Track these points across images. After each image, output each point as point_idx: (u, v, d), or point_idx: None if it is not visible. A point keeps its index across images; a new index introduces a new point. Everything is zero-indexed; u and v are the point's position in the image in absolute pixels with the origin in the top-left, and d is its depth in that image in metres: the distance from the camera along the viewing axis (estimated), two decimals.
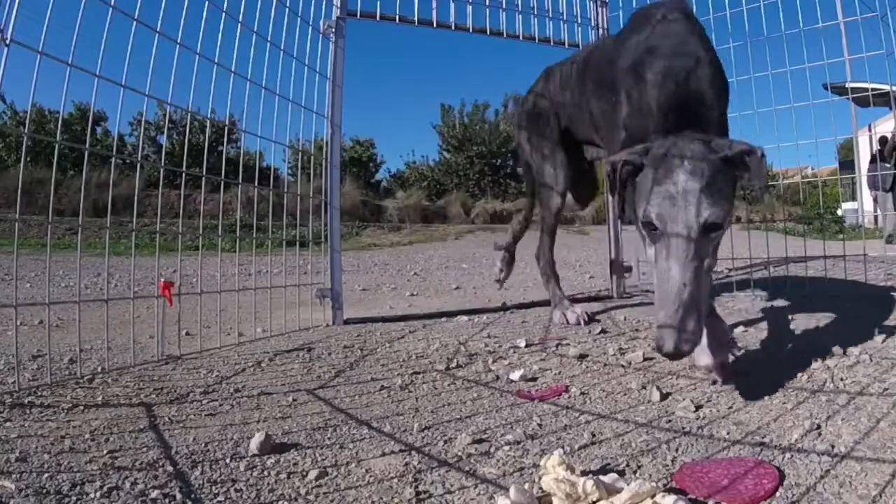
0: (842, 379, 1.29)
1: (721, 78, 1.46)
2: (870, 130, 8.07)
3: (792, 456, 0.90)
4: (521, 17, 3.02)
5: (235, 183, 2.51)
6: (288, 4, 2.34)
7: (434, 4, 2.81)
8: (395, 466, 0.95)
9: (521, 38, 3.04)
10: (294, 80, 2.38)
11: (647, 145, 1.25)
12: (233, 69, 2.09)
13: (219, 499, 0.84)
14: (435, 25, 2.86)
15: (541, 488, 0.79)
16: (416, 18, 2.80)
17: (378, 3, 2.72)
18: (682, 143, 1.20)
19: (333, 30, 2.58)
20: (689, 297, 1.08)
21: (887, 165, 7.67)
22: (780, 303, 2.51)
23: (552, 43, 3.10)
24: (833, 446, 0.93)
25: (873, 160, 7.84)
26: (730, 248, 2.49)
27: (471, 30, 2.90)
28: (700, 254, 1.12)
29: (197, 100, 2.07)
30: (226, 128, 2.60)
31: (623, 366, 1.57)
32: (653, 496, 0.73)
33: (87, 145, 1.85)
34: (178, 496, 0.84)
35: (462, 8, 2.87)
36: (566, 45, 3.13)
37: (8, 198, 10.53)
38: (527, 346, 1.88)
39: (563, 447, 1.00)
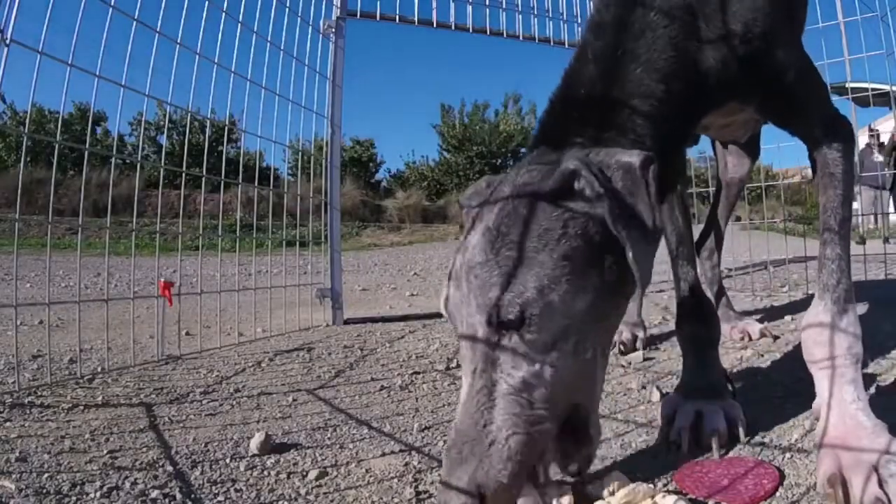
0: None
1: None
2: (870, 130, 8.07)
3: (792, 456, 0.90)
4: (520, 17, 3.02)
5: (235, 183, 2.52)
6: (288, 4, 2.34)
7: (434, 4, 2.82)
8: (395, 466, 0.95)
9: (521, 38, 3.03)
10: (294, 80, 2.39)
11: (495, 177, 0.84)
12: (233, 69, 2.09)
13: (219, 499, 0.84)
14: (435, 25, 2.86)
15: None
16: (416, 18, 2.80)
17: (378, 3, 2.73)
18: (512, 172, 0.80)
19: (333, 30, 2.58)
20: (478, 429, 0.66)
21: (879, 159, 7.67)
22: (780, 303, 2.52)
23: (552, 43, 3.10)
24: None
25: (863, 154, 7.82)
26: (730, 249, 2.49)
27: (471, 30, 2.90)
28: (497, 361, 0.68)
29: (197, 100, 2.07)
30: (226, 128, 2.60)
31: (623, 366, 1.57)
32: (653, 496, 0.73)
33: (87, 145, 1.85)
34: (178, 496, 0.84)
35: (462, 8, 2.87)
36: (566, 46, 3.13)
37: (8, 198, 10.53)
38: None
39: None
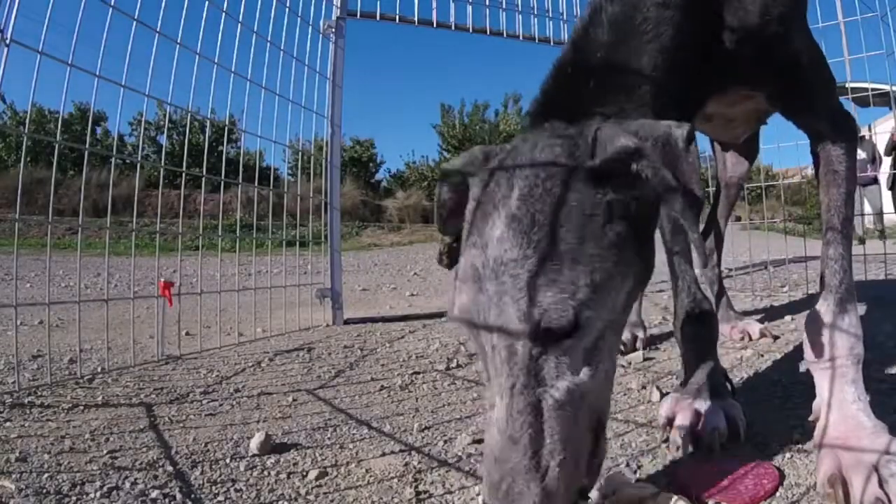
0: None
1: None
2: (870, 130, 8.08)
3: (792, 456, 0.90)
4: (520, 17, 3.02)
5: (235, 183, 2.51)
6: (288, 4, 2.34)
7: (434, 4, 2.82)
8: (395, 466, 0.95)
9: (521, 38, 3.04)
10: (294, 80, 2.39)
11: (491, 147, 0.75)
12: (233, 69, 2.09)
13: (219, 499, 0.84)
14: (435, 25, 2.86)
15: None
16: (416, 18, 2.80)
17: (378, 2, 2.73)
18: (525, 145, 0.68)
19: (333, 30, 2.58)
20: (527, 457, 0.57)
21: (861, 156, 7.68)
22: (780, 303, 2.51)
23: (552, 43, 3.10)
24: None
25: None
26: (730, 249, 2.49)
27: (471, 30, 2.90)
28: (539, 376, 0.59)
29: (197, 100, 2.07)
30: (226, 128, 2.60)
31: (623, 366, 1.57)
32: (653, 496, 0.73)
33: (87, 145, 1.85)
34: (178, 496, 0.84)
35: (462, 8, 2.87)
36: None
37: (8, 198, 10.53)
38: None
39: None
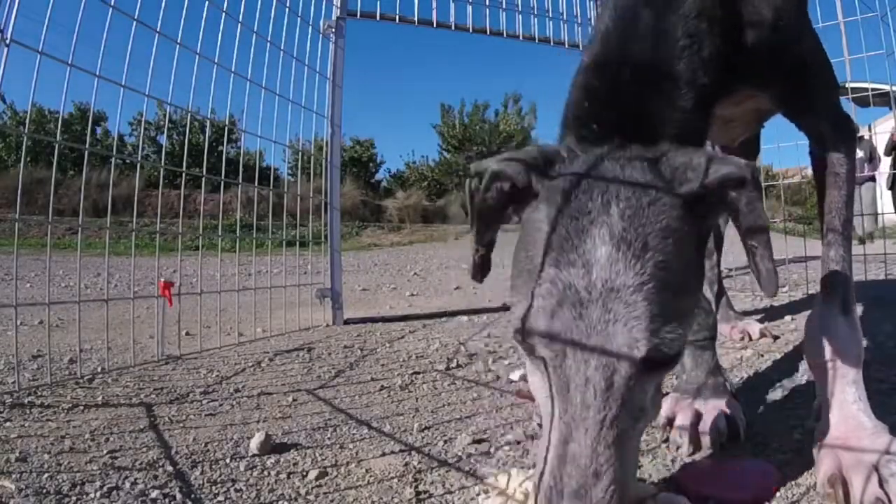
0: None
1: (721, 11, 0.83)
2: (869, 130, 8.09)
3: (792, 456, 0.90)
4: (520, 17, 3.02)
5: (235, 183, 2.51)
6: (288, 4, 2.34)
7: (434, 4, 2.82)
8: (395, 466, 0.95)
9: (521, 38, 3.04)
10: (294, 80, 2.39)
11: (550, 149, 0.71)
12: (233, 69, 2.09)
13: (219, 499, 0.84)
14: (435, 25, 2.86)
15: None
16: (416, 18, 2.80)
17: (378, 2, 2.73)
18: (608, 163, 0.65)
19: (333, 30, 2.58)
20: (608, 493, 0.54)
21: (859, 155, 7.70)
22: (780, 303, 2.51)
23: (552, 43, 3.10)
24: None
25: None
26: (729, 249, 2.49)
27: (471, 30, 2.90)
28: (630, 409, 0.58)
29: (197, 100, 2.07)
30: (226, 128, 2.60)
31: None
32: (654, 496, 0.73)
33: (87, 145, 1.85)
34: (178, 496, 0.84)
35: (462, 8, 2.87)
36: (566, 45, 3.13)
37: (8, 198, 10.53)
38: None
39: None
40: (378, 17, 2.72)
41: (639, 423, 0.60)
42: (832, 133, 0.95)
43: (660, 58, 0.77)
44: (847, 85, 3.03)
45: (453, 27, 2.87)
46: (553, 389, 0.60)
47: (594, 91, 0.76)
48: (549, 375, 0.60)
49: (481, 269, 0.82)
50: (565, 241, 0.60)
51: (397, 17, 2.77)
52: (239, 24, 2.10)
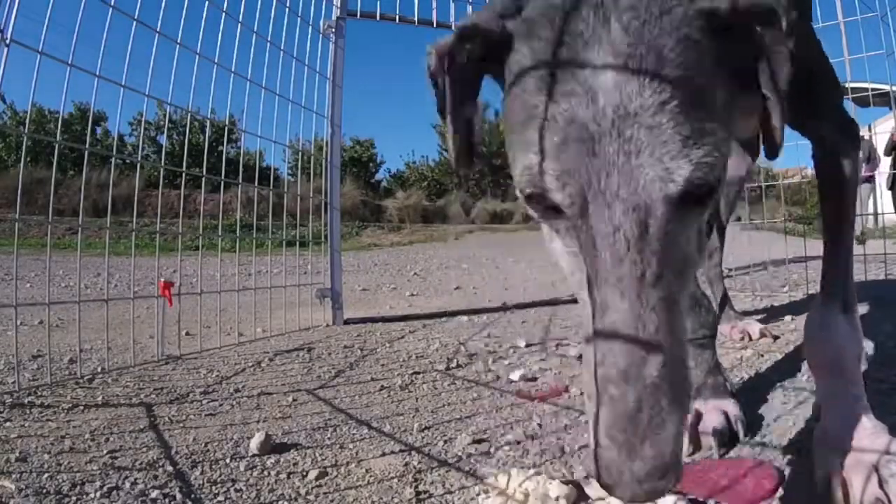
0: None
1: None
2: (870, 130, 8.09)
3: (792, 456, 0.90)
4: None
5: (235, 183, 2.51)
6: (288, 4, 2.35)
7: (434, 4, 2.82)
8: (395, 466, 0.95)
9: None
10: (294, 80, 2.39)
11: None
12: (233, 69, 2.09)
13: (219, 499, 0.84)
14: (435, 25, 2.86)
15: None
16: (416, 18, 2.80)
17: (378, 2, 2.73)
18: None
19: (333, 30, 2.58)
20: (659, 377, 0.44)
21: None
22: (780, 303, 2.51)
23: None
24: None
25: None
26: (730, 249, 2.49)
27: None
28: (672, 260, 0.48)
29: (197, 100, 2.07)
30: (226, 128, 2.60)
31: None
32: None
33: (87, 145, 1.85)
34: (178, 496, 0.84)
35: (462, 8, 2.87)
36: None
37: (8, 198, 10.53)
38: (527, 346, 1.88)
39: (563, 447, 1.00)
40: (378, 17, 2.72)
41: (685, 276, 0.49)
42: (836, 136, 0.94)
43: None
44: (847, 85, 3.03)
45: (453, 27, 2.87)
46: (579, 250, 0.49)
47: None
48: (569, 233, 0.50)
49: (467, 155, 0.65)
50: (560, 73, 0.48)
51: (397, 17, 2.77)
52: (239, 24, 2.10)
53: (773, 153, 0.57)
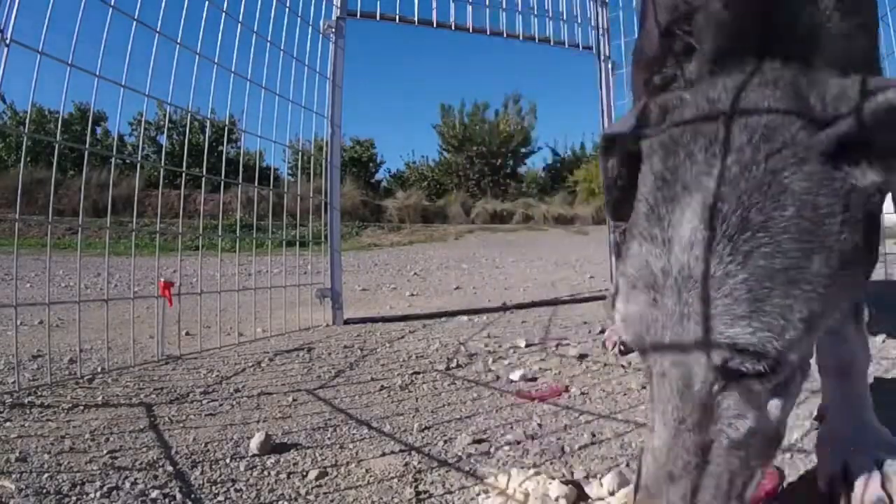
0: None
1: None
2: None
3: (792, 456, 0.90)
4: (520, 16, 3.02)
5: (235, 183, 2.51)
6: (288, 4, 2.34)
7: (434, 4, 2.82)
8: (395, 466, 0.95)
9: (521, 37, 3.04)
10: (294, 80, 2.39)
11: (667, 95, 0.56)
12: (233, 69, 2.09)
13: (219, 499, 0.84)
14: (435, 25, 2.86)
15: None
16: (416, 18, 2.80)
17: (378, 2, 2.73)
18: (725, 92, 0.51)
19: (333, 30, 2.58)
20: (683, 499, 0.49)
21: None
22: None
23: (552, 43, 3.10)
24: None
25: None
26: None
27: (470, 30, 2.90)
28: (718, 419, 0.49)
29: (197, 100, 2.07)
30: (226, 128, 2.60)
31: (623, 366, 1.57)
32: None
33: (87, 145, 1.85)
34: (178, 496, 0.84)
35: (462, 7, 2.87)
36: (566, 45, 3.14)
37: (8, 198, 10.53)
38: (527, 346, 1.88)
39: (563, 447, 1.00)
40: (378, 17, 2.72)
41: (737, 437, 0.49)
42: None
43: None
44: None
45: (453, 27, 2.87)
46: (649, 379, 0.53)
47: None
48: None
49: (612, 206, 0.66)
50: (654, 211, 0.50)
51: (397, 17, 2.77)
52: (239, 24, 2.10)
53: None
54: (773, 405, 0.51)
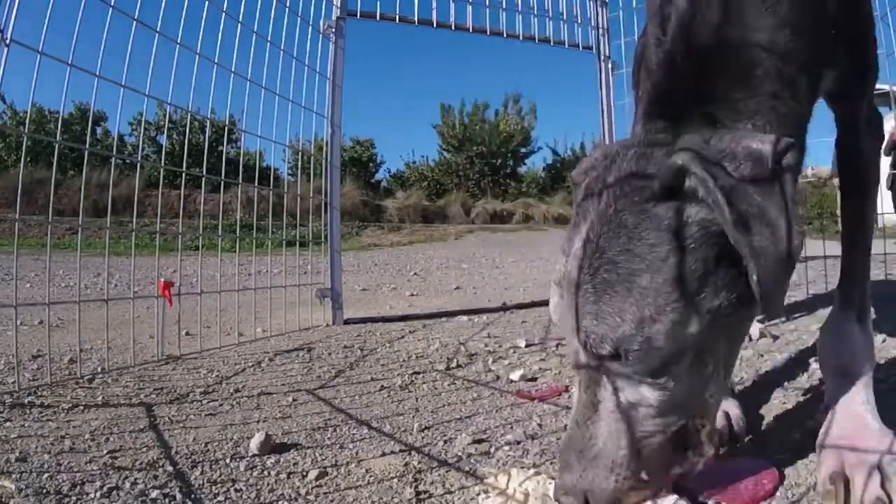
0: None
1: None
2: None
3: (792, 456, 0.90)
4: (520, 16, 3.02)
5: (235, 183, 2.52)
6: (288, 4, 2.34)
7: (434, 4, 2.82)
8: (395, 466, 0.95)
9: (521, 38, 3.04)
10: (294, 80, 2.39)
11: (608, 151, 0.72)
12: (233, 69, 2.09)
13: (219, 499, 0.84)
14: (435, 25, 2.86)
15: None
16: (416, 18, 2.80)
17: (378, 3, 2.73)
18: (620, 154, 0.68)
19: (333, 30, 2.58)
20: (589, 448, 0.65)
21: None
22: None
23: (552, 43, 3.10)
24: None
25: None
26: None
27: (470, 29, 2.90)
28: (609, 386, 0.65)
29: (197, 100, 2.07)
30: (226, 128, 2.60)
31: None
32: (654, 496, 0.73)
33: (87, 145, 1.85)
34: (178, 496, 0.84)
35: (462, 8, 2.87)
36: (566, 45, 3.13)
37: (8, 198, 10.53)
38: (527, 346, 1.88)
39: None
40: (378, 17, 2.72)
41: (615, 398, 0.65)
42: (866, 128, 0.92)
43: (729, 25, 0.68)
44: None
45: (453, 27, 2.87)
46: None
47: (656, 68, 0.73)
48: None
49: None
50: (569, 234, 0.68)
51: (397, 17, 2.77)
52: (239, 24, 2.10)
53: (767, 309, 0.64)
54: (646, 393, 0.64)
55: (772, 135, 0.62)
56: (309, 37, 2.48)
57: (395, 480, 0.89)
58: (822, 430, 0.83)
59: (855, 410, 0.81)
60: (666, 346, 0.61)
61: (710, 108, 0.67)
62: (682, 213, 0.61)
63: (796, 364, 1.43)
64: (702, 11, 0.70)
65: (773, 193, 0.60)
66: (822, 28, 0.75)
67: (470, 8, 2.87)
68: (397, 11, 2.76)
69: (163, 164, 2.56)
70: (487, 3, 2.91)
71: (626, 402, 0.65)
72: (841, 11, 0.79)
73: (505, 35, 3.00)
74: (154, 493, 0.84)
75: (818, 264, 3.24)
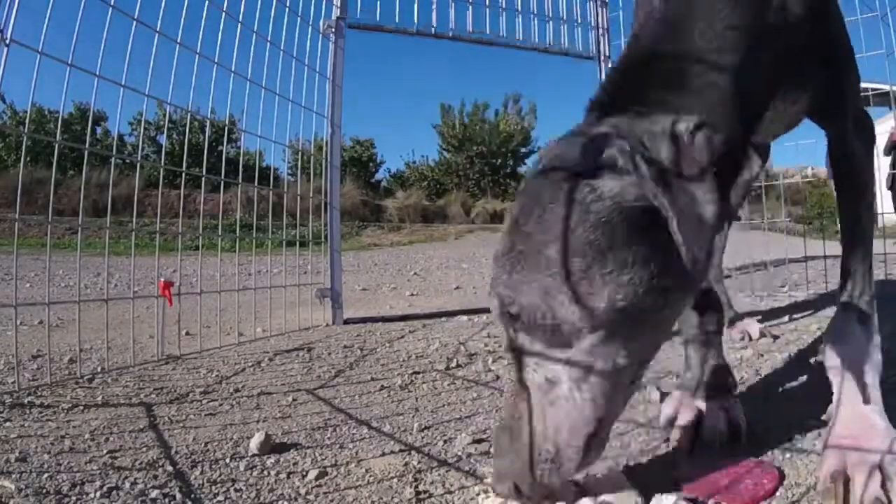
0: None
1: None
2: None
3: (792, 456, 0.90)
4: (520, 18, 3.02)
5: (235, 183, 2.51)
6: (288, 4, 2.34)
7: (434, 5, 2.81)
8: (395, 466, 0.95)
9: (520, 43, 3.03)
10: (294, 80, 2.39)
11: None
12: (233, 69, 2.09)
13: (219, 499, 0.84)
14: (434, 34, 2.86)
15: None
16: (416, 19, 2.80)
17: (377, 9, 2.73)
18: (557, 143, 0.73)
19: (333, 30, 2.58)
20: (504, 434, 0.69)
21: None
22: (780, 303, 2.51)
23: (552, 51, 3.10)
24: None
25: None
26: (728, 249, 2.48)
27: (470, 39, 2.89)
28: (528, 364, 0.68)
29: (197, 100, 2.07)
30: (226, 128, 2.60)
31: None
32: (653, 496, 0.73)
33: (87, 145, 1.85)
34: (178, 496, 0.84)
35: (462, 12, 2.86)
36: (567, 55, 3.14)
37: (8, 198, 10.53)
38: None
39: None
40: (377, 26, 2.72)
41: (534, 383, 0.67)
42: (855, 133, 0.92)
43: (683, 33, 0.73)
44: None
45: (451, 36, 2.87)
46: None
47: (614, 68, 0.80)
48: None
49: None
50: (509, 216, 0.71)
51: (397, 17, 2.77)
52: (239, 24, 2.10)
53: (692, 263, 0.62)
54: (562, 368, 0.66)
55: (692, 116, 0.65)
56: (309, 37, 2.48)
57: (395, 480, 0.89)
58: (826, 431, 0.83)
59: (861, 410, 0.81)
60: (570, 318, 0.62)
61: (645, 109, 0.69)
62: (596, 188, 0.63)
63: (796, 364, 1.43)
64: (650, 24, 0.77)
65: (691, 165, 0.62)
66: (774, 42, 0.77)
67: (470, 10, 2.86)
68: (396, 17, 2.75)
69: (163, 163, 2.56)
70: (488, 3, 2.90)
71: (543, 381, 0.66)
72: (803, 29, 0.80)
73: (505, 45, 3.00)
74: (154, 493, 0.84)
75: (818, 264, 3.24)
